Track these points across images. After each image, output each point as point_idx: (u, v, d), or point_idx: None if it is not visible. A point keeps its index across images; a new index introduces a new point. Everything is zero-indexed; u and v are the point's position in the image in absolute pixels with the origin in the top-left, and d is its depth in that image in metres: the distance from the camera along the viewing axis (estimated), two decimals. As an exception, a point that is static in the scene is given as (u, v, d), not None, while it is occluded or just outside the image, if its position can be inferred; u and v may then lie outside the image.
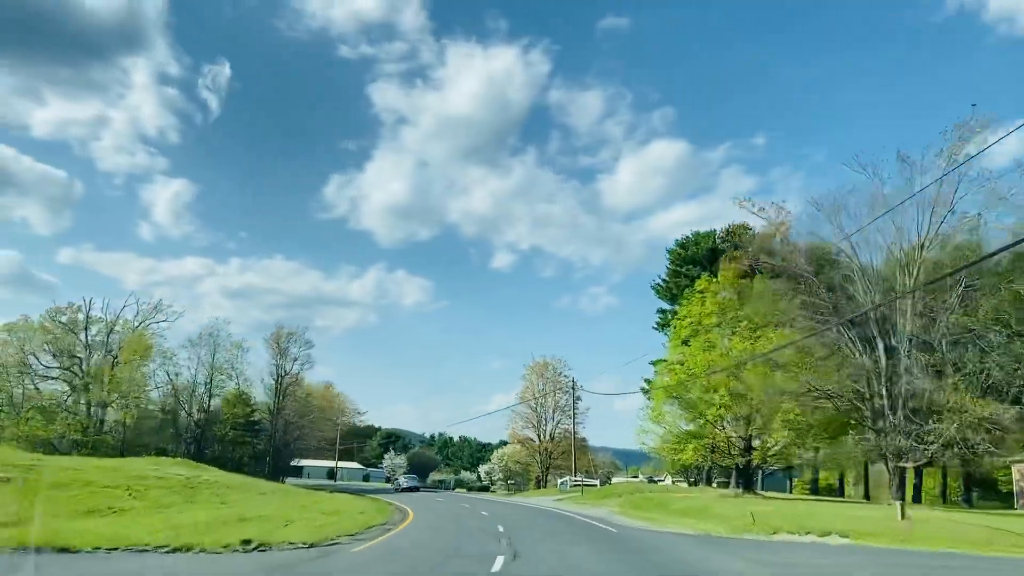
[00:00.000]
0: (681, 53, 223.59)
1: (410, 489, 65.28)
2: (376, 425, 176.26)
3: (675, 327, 43.99)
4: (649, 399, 47.72)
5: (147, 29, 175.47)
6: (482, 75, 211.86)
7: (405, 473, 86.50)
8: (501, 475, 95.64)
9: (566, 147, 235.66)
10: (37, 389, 69.40)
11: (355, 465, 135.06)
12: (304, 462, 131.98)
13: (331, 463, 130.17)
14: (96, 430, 67.31)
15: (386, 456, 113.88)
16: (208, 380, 69.64)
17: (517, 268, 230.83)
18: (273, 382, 72.95)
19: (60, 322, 70.22)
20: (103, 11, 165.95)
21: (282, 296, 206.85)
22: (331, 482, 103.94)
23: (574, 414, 66.91)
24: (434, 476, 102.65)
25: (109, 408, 68.55)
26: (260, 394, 73.97)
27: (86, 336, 70.55)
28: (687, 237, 53.97)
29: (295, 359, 77.17)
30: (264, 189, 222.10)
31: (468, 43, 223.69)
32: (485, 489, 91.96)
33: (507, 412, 77.32)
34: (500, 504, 47.32)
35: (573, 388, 66.45)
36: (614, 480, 71.65)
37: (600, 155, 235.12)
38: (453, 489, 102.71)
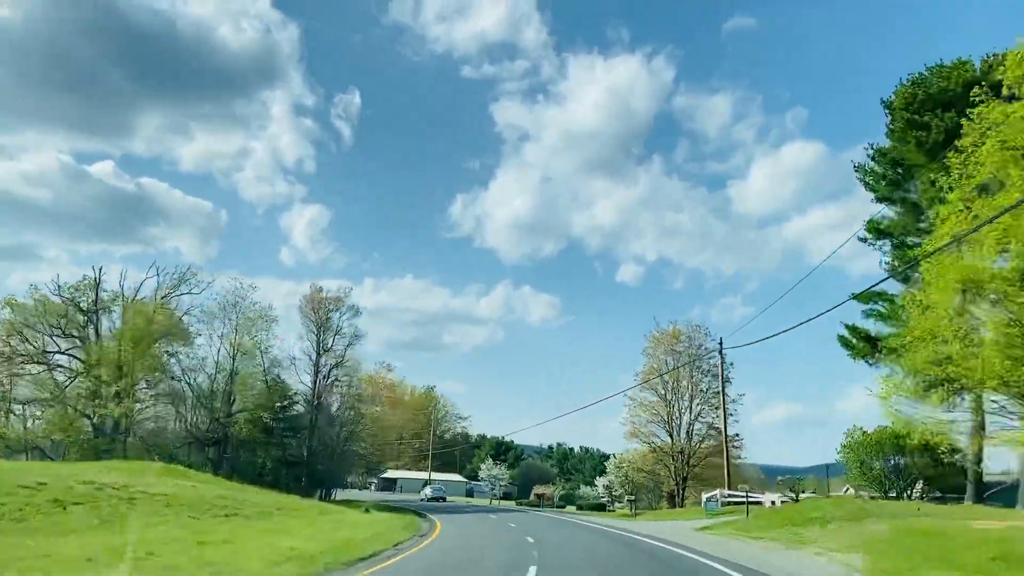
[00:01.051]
0: (811, 51, 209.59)
1: (436, 499, 62.67)
2: (485, 434, 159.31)
3: (957, 172, 21.59)
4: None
5: (283, 64, 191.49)
6: (605, 86, 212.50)
7: (431, 485, 79.56)
8: (621, 488, 74.24)
9: (693, 154, 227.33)
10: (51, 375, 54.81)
11: (455, 477, 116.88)
12: (397, 473, 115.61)
13: (440, 475, 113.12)
14: (97, 429, 51.81)
15: (483, 466, 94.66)
16: (231, 362, 52.95)
17: (645, 280, 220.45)
18: (310, 364, 55.09)
19: (64, 297, 55.61)
20: (243, 49, 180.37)
21: (414, 314, 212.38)
22: (397, 497, 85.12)
23: (723, 390, 43.37)
24: (538, 490, 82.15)
25: (110, 402, 52.84)
26: (304, 383, 56.28)
27: (96, 315, 55.58)
28: (921, 74, 31.02)
29: (338, 331, 56.36)
30: (394, 210, 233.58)
31: (589, 55, 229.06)
32: (600, 508, 70.40)
33: (624, 404, 55.84)
34: (588, 532, 26.43)
35: (721, 355, 43.50)
36: (772, 497, 45.25)
37: (730, 160, 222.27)
38: (563, 507, 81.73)
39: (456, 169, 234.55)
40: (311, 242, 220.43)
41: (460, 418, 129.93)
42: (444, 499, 66.98)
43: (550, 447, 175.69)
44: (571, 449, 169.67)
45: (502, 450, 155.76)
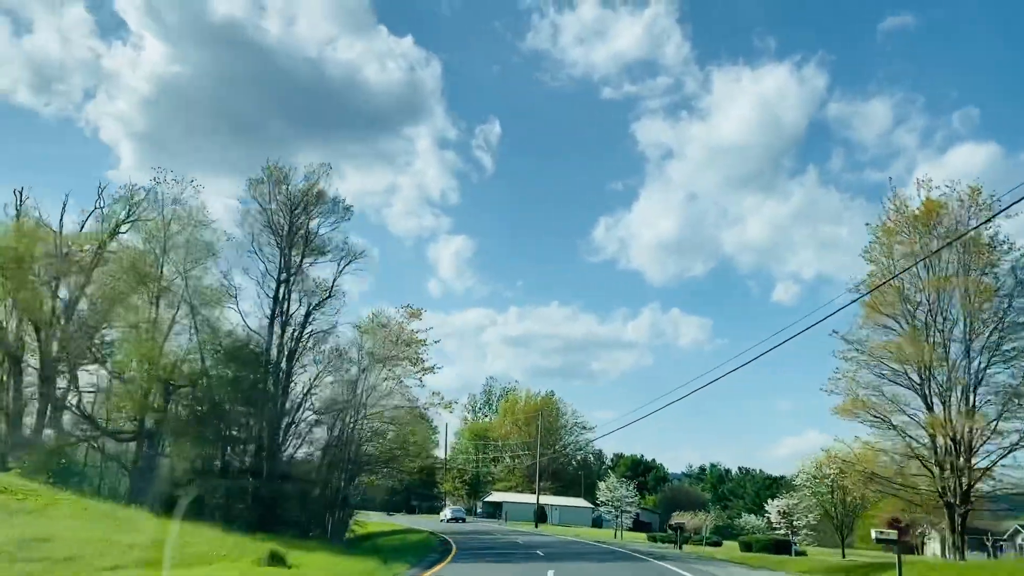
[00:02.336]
0: (979, 45, 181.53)
1: (455, 520, 64.42)
2: (622, 453, 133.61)
3: None
4: None
5: (427, 99, 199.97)
6: (752, 98, 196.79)
7: (451, 507, 79.59)
8: (809, 514, 48.32)
9: (850, 163, 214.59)
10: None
11: (578, 502, 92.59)
12: (503, 496, 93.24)
13: (557, 500, 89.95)
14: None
15: (602, 486, 70.19)
16: (190, 314, 32.29)
17: (802, 299, 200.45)
18: (267, 302, 32.16)
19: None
20: (389, 88, 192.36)
21: (559, 341, 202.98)
22: (486, 527, 61.95)
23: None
24: (677, 518, 56.16)
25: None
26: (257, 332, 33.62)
27: None
28: None
29: (312, 240, 33.12)
30: (537, 237, 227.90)
31: (735, 66, 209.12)
32: (784, 547, 43.94)
33: (836, 358, 29.55)
34: None
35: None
36: None
37: (891, 167, 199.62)
38: (717, 543, 55.48)
39: (598, 192, 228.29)
40: (456, 272, 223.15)
41: (583, 427, 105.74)
42: (464, 520, 68.95)
43: (701, 469, 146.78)
44: (727, 471, 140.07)
45: (640, 471, 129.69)
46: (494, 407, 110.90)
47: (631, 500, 70.12)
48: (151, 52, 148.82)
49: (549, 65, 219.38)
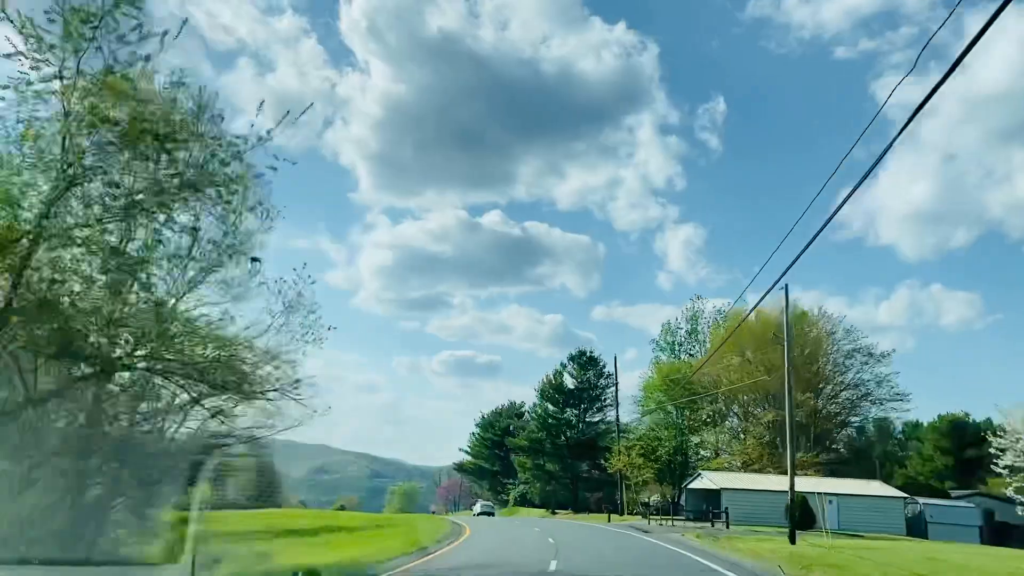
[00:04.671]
0: None
1: (485, 514, 66.51)
2: (944, 412, 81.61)
3: None
4: None
5: (645, 84, 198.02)
6: (1016, 36, 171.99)
7: (481, 500, 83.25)
8: None
9: None
10: None
11: (875, 488, 48.01)
12: (722, 479, 51.25)
13: (835, 484, 46.72)
14: None
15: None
16: None
17: None
18: None
19: None
20: (605, 78, 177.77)
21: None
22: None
23: None
24: None
25: None
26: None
27: None
28: None
29: None
30: (771, 217, 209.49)
31: (993, 2, 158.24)
32: None
33: None
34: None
35: None
36: None
37: None
38: None
39: (838, 162, 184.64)
40: (687, 263, 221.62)
41: (867, 355, 60.01)
42: (492, 514, 68.08)
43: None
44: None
45: (965, 437, 79.20)
46: (703, 337, 69.02)
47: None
48: (377, 75, 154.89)
49: (773, 31, 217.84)
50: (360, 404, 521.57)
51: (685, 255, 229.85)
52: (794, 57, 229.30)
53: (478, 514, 68.15)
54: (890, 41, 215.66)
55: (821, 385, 57.00)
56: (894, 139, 10.87)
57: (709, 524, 42.50)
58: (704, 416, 60.19)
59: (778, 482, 47.24)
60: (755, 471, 53.28)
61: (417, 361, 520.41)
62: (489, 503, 79.00)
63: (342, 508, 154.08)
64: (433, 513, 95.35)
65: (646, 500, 52.87)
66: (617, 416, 61.74)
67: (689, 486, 50.92)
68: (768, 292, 23.49)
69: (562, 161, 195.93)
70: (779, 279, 21.78)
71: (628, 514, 57.33)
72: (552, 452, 74.16)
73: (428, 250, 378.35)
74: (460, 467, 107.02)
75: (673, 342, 68.71)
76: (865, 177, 12.12)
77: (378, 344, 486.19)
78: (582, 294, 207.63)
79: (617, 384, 63.21)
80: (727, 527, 40.35)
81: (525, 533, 34.78)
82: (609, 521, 50.60)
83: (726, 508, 41.10)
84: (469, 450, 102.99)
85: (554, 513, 74.71)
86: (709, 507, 47.16)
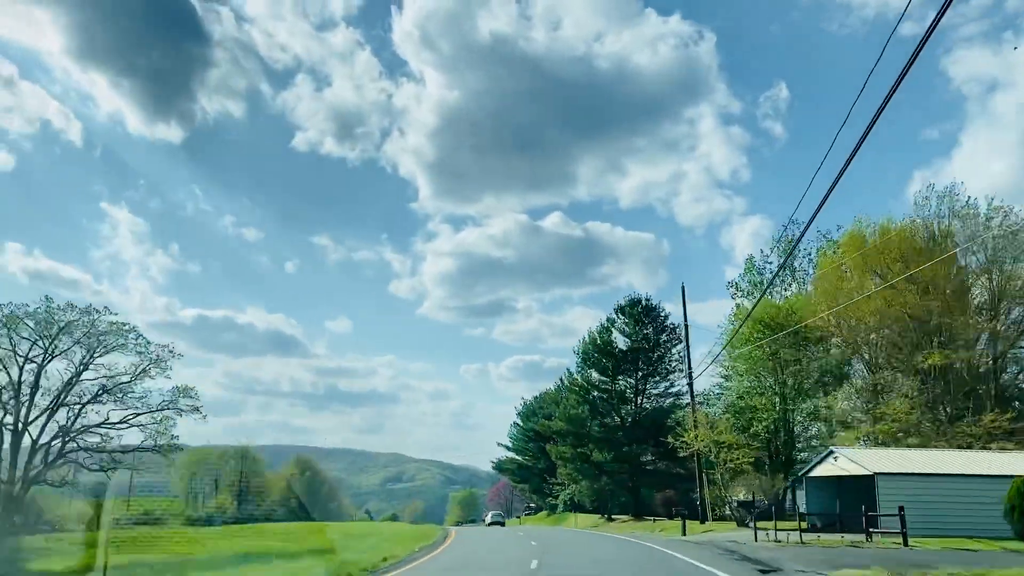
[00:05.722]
0: None
1: (496, 523, 63.98)
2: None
3: None
4: None
5: (704, 75, 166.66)
6: None
7: (489, 512, 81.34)
8: None
9: None
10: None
11: None
12: (867, 459, 32.74)
13: None
14: None
15: None
16: None
17: None
18: None
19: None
20: (662, 71, 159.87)
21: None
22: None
23: None
24: None
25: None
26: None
27: None
28: None
29: None
30: (842, 203, 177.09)
31: None
32: None
33: None
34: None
35: None
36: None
37: None
38: None
39: (909, 142, 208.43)
40: (757, 256, 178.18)
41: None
42: (502, 524, 64.48)
43: None
44: None
45: None
46: (804, 268, 50.78)
47: None
48: (431, 83, 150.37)
49: (834, 11, 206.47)
50: (431, 411, 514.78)
51: (755, 249, 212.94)
52: (858, 36, 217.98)
53: (490, 524, 65.17)
54: (961, 13, 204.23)
55: (1004, 312, 37.89)
56: None
57: (864, 537, 24.38)
58: (816, 374, 41.54)
59: (969, 462, 28.86)
60: (904, 448, 34.66)
61: (485, 367, 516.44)
62: (499, 512, 77.10)
63: (393, 518, 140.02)
64: (459, 524, 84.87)
65: (745, 498, 34.97)
66: (689, 364, 43.29)
67: (809, 474, 32.55)
68: None
69: (622, 158, 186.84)
70: None
71: (713, 519, 39.43)
72: (601, 437, 54.92)
73: (490, 255, 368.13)
74: (499, 466, 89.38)
75: (761, 282, 50.19)
76: None
77: (445, 351, 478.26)
78: (649, 292, 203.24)
79: (687, 323, 45.09)
80: (905, 543, 22.23)
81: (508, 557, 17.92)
82: (685, 534, 32.79)
83: (900, 508, 22.77)
84: (511, 444, 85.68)
85: (610, 520, 56.69)
86: (842, 507, 29.09)
